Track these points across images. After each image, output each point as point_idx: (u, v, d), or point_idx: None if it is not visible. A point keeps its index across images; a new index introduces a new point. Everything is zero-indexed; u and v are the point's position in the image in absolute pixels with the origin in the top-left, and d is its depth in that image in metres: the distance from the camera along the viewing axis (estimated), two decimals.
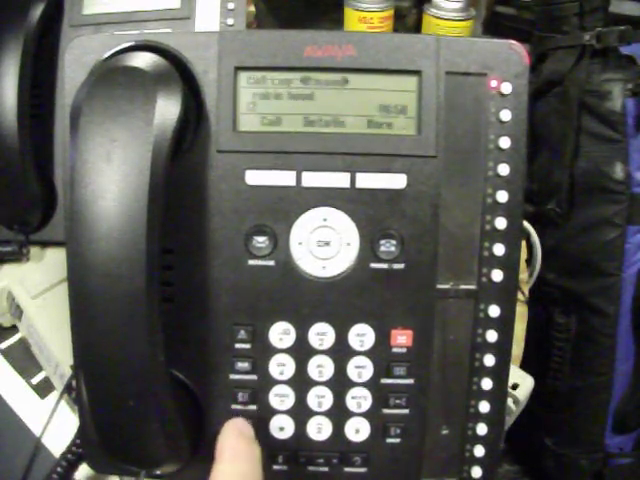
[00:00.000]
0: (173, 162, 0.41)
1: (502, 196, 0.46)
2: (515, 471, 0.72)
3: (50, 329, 0.65)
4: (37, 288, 0.68)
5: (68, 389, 0.61)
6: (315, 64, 0.45)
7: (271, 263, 0.46)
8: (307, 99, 0.46)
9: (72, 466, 0.57)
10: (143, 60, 0.41)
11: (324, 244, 0.46)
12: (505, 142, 0.46)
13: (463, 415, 0.48)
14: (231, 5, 0.68)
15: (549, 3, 0.67)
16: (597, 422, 0.65)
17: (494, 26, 0.90)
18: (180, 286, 0.46)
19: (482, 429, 0.48)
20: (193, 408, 0.46)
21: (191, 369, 0.47)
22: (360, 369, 0.47)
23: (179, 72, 0.42)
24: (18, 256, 0.69)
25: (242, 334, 0.46)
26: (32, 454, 0.60)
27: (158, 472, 0.42)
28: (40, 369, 0.68)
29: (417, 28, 0.91)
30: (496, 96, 0.46)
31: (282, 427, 0.47)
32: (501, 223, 0.46)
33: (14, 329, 0.71)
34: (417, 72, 0.45)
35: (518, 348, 0.64)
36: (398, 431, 0.47)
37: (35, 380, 0.67)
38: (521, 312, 0.66)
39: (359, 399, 0.47)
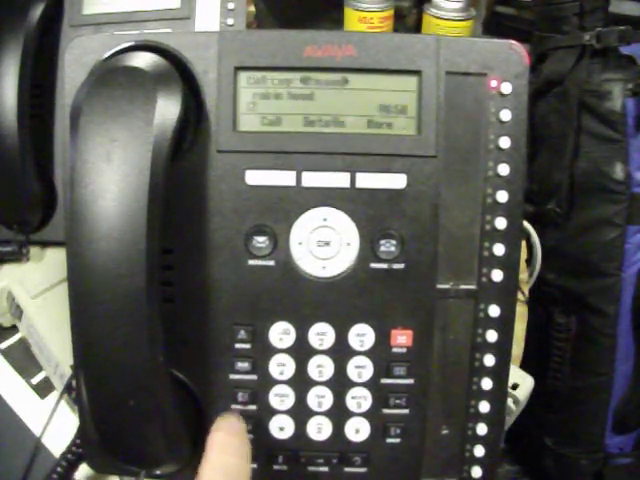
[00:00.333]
0: (173, 162, 0.41)
1: (502, 196, 0.46)
2: (515, 471, 0.72)
3: (50, 329, 0.65)
4: (37, 288, 0.68)
5: (68, 389, 0.61)
6: (315, 64, 0.45)
7: (271, 263, 0.46)
8: (307, 99, 0.46)
9: (72, 466, 0.57)
10: (143, 60, 0.41)
11: (324, 244, 0.46)
12: (505, 142, 0.46)
13: (463, 415, 0.48)
14: (231, 5, 0.68)
15: (549, 3, 0.67)
16: (597, 422, 0.65)
17: (494, 26, 0.90)
18: (180, 286, 0.46)
19: (482, 429, 0.48)
20: (193, 408, 0.46)
21: (191, 369, 0.47)
22: (360, 369, 0.47)
23: (179, 72, 0.42)
24: (18, 256, 0.69)
25: (242, 334, 0.46)
26: (32, 454, 0.60)
27: (158, 472, 0.42)
28: (40, 369, 0.68)
29: (417, 28, 0.91)
30: (496, 96, 0.46)
31: (282, 427, 0.47)
32: (501, 223, 0.46)
33: (14, 329, 0.72)
34: (417, 72, 0.45)
35: (518, 348, 0.64)
36: (398, 431, 0.47)
37: (35, 380, 0.67)
38: (521, 312, 0.66)
39: (359, 399, 0.47)
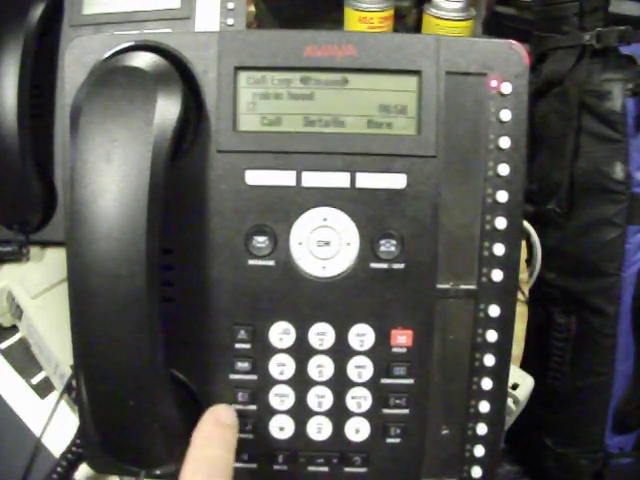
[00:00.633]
0: (173, 162, 0.41)
1: (502, 196, 0.46)
2: (515, 471, 0.72)
3: (50, 329, 0.65)
4: (37, 288, 0.68)
5: (68, 389, 0.61)
6: (315, 64, 0.45)
7: (271, 263, 0.46)
8: (307, 99, 0.46)
9: (72, 466, 0.57)
10: (143, 60, 0.41)
11: (324, 244, 0.46)
12: (505, 142, 0.46)
13: (463, 415, 0.48)
14: (231, 5, 0.68)
15: (549, 3, 0.67)
16: (597, 422, 0.65)
17: (494, 26, 0.90)
18: (180, 286, 0.46)
19: (482, 429, 0.48)
20: (193, 408, 0.46)
21: (191, 369, 0.47)
22: (360, 369, 0.47)
23: (179, 72, 0.42)
24: (18, 256, 0.69)
25: (242, 334, 0.46)
26: (32, 454, 0.60)
27: (158, 472, 0.42)
28: (40, 369, 0.68)
29: (417, 28, 0.91)
30: (496, 96, 0.46)
31: (282, 427, 0.47)
32: (501, 223, 0.46)
33: (14, 329, 0.71)
34: (417, 72, 0.45)
35: (518, 348, 0.64)
36: (398, 431, 0.47)
37: (35, 380, 0.67)
38: (521, 312, 0.66)
39: (359, 399, 0.47)
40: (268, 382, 0.47)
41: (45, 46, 0.67)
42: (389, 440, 0.47)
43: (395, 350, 0.47)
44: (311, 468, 0.48)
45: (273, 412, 0.47)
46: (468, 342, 0.47)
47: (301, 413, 0.47)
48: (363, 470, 0.48)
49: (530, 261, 0.68)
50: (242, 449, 0.46)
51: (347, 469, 0.48)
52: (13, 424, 0.64)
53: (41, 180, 0.66)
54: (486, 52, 0.46)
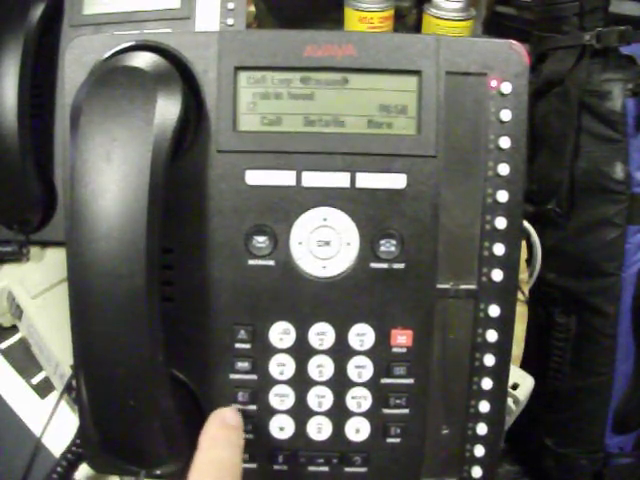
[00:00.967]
0: (173, 162, 0.41)
1: (502, 196, 0.46)
2: (515, 471, 0.72)
3: (50, 329, 0.65)
4: (37, 288, 0.68)
5: (68, 389, 0.61)
6: (315, 64, 0.45)
7: (271, 263, 0.46)
8: (307, 99, 0.46)
9: (72, 466, 0.57)
10: (143, 60, 0.41)
11: (324, 244, 0.46)
12: (505, 142, 0.46)
13: (463, 415, 0.48)
14: (231, 5, 0.68)
15: (549, 3, 0.67)
16: (597, 422, 0.65)
17: (494, 26, 0.90)
18: (180, 286, 0.46)
19: (482, 429, 0.48)
20: (193, 408, 0.46)
21: (191, 369, 0.47)
22: (360, 369, 0.47)
23: (179, 72, 0.42)
24: (18, 256, 0.69)
25: (242, 334, 0.46)
26: (32, 454, 0.60)
27: (158, 472, 0.42)
28: (40, 369, 0.68)
29: (417, 28, 0.91)
30: (496, 96, 0.46)
31: (282, 427, 0.47)
32: (501, 223, 0.46)
33: (14, 329, 0.71)
34: (417, 72, 0.45)
35: (518, 348, 0.64)
36: (398, 431, 0.47)
37: (35, 380, 0.67)
38: (521, 312, 0.66)
39: (359, 399, 0.47)
40: (268, 382, 0.47)
41: (45, 46, 0.67)
42: (389, 440, 0.47)
43: (395, 350, 0.47)
44: (311, 468, 0.48)
45: (273, 412, 0.47)
46: (468, 342, 0.47)
47: (301, 413, 0.47)
48: (363, 470, 0.48)
49: (530, 261, 0.68)
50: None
51: (347, 469, 0.48)
52: (13, 424, 0.64)
53: (41, 180, 0.66)
54: (486, 52, 0.46)
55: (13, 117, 0.62)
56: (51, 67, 0.68)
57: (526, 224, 0.66)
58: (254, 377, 0.47)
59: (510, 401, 0.58)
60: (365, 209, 0.46)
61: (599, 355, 0.64)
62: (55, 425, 0.61)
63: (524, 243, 0.67)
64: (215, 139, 0.45)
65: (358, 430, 0.47)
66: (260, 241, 0.46)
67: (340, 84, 0.46)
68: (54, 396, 0.66)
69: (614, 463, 0.66)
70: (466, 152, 0.46)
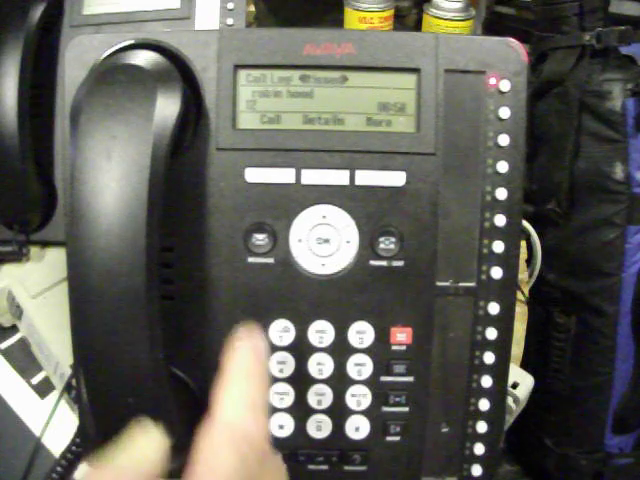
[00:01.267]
0: (173, 160, 0.41)
1: (501, 193, 0.46)
2: (515, 471, 0.71)
3: (50, 329, 0.65)
4: (37, 288, 0.68)
5: (68, 389, 0.61)
6: (314, 62, 0.45)
7: (270, 260, 0.46)
8: (306, 97, 0.46)
9: (72, 466, 0.57)
10: (143, 58, 0.41)
11: (323, 241, 0.46)
12: (504, 140, 0.46)
13: (463, 413, 0.48)
14: (231, 5, 0.69)
15: (549, 3, 0.67)
16: (597, 422, 0.65)
17: (494, 26, 0.90)
18: (180, 284, 0.46)
19: (482, 427, 0.48)
20: (193, 406, 0.46)
21: (191, 366, 0.46)
22: (360, 367, 0.47)
23: (179, 70, 0.42)
24: (18, 256, 0.69)
25: None
26: (32, 454, 0.60)
27: None
28: (40, 369, 0.68)
29: (417, 28, 0.91)
30: (495, 93, 0.46)
31: (282, 425, 0.47)
32: (500, 220, 0.46)
33: (14, 329, 0.71)
34: (416, 70, 0.45)
35: (518, 348, 0.64)
36: (398, 429, 0.47)
37: (35, 380, 0.67)
38: (521, 312, 0.66)
39: (359, 397, 0.47)
40: (268, 380, 0.47)
41: (45, 46, 0.67)
42: (389, 438, 0.47)
43: (395, 348, 0.47)
44: (311, 466, 0.47)
45: (273, 410, 0.47)
46: (468, 340, 0.47)
47: (301, 411, 0.47)
48: (363, 468, 0.48)
49: (530, 261, 0.68)
50: None
51: (347, 467, 0.48)
52: (13, 424, 0.64)
53: (41, 180, 0.66)
54: (485, 50, 0.46)
55: (13, 117, 0.62)
56: (51, 67, 0.68)
57: (526, 224, 0.66)
58: None
59: (510, 400, 0.58)
60: (364, 207, 0.46)
61: (599, 355, 0.64)
62: (55, 425, 0.61)
63: (524, 243, 0.67)
64: (215, 137, 0.45)
65: (358, 428, 0.47)
66: (260, 239, 0.46)
67: (339, 82, 0.46)
68: (54, 396, 0.65)
69: (614, 463, 0.66)
70: (465, 150, 0.46)
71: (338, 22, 0.87)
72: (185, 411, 0.43)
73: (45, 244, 0.70)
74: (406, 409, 0.47)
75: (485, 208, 0.46)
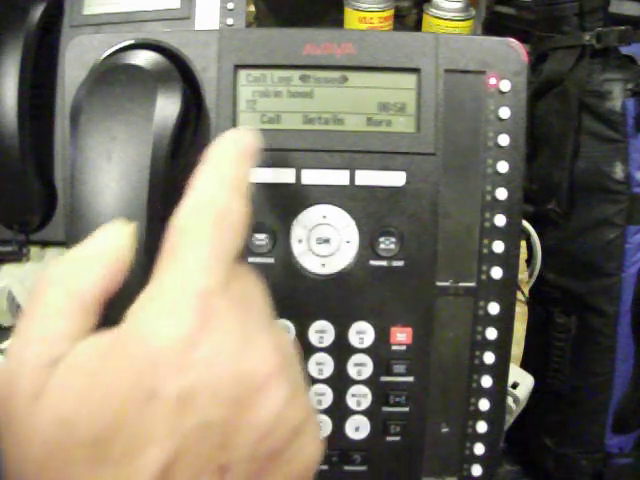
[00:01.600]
0: (173, 160, 0.41)
1: (501, 193, 0.46)
2: (515, 471, 0.71)
3: None
4: None
5: None
6: (314, 62, 0.45)
7: (271, 260, 0.46)
8: (306, 97, 0.46)
9: None
10: (143, 58, 0.41)
11: (324, 241, 0.46)
12: (504, 139, 0.46)
13: (463, 413, 0.48)
14: (231, 5, 0.68)
15: (549, 3, 0.67)
16: (597, 422, 0.65)
17: (494, 26, 0.90)
18: None
19: (482, 427, 0.48)
20: None
21: None
22: (360, 367, 0.47)
23: (179, 70, 0.42)
24: (18, 256, 0.69)
25: None
26: None
27: None
28: None
29: (417, 28, 0.91)
30: (495, 93, 0.46)
31: None
32: (500, 220, 0.46)
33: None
34: (416, 70, 0.45)
35: (518, 348, 0.64)
36: (398, 429, 0.47)
37: None
38: (521, 312, 0.66)
39: (359, 397, 0.47)
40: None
41: (45, 46, 0.67)
42: (389, 438, 0.47)
43: (395, 348, 0.47)
44: None
45: None
46: (468, 340, 0.47)
47: None
48: (363, 468, 0.48)
49: (530, 261, 0.68)
50: None
51: (347, 467, 0.48)
52: None
53: (41, 180, 0.66)
54: (484, 50, 0.46)
55: (13, 117, 0.61)
56: (51, 67, 0.68)
57: (526, 224, 0.66)
58: None
59: (510, 400, 0.58)
60: (364, 207, 0.46)
61: (599, 355, 0.64)
62: None
63: (524, 243, 0.67)
64: (215, 137, 0.45)
65: (358, 428, 0.47)
66: (260, 239, 0.46)
67: (339, 82, 0.46)
68: None
69: (614, 463, 0.66)
70: (465, 150, 0.46)
71: (338, 22, 0.87)
72: None
73: (45, 244, 0.70)
74: (406, 409, 0.47)
75: (485, 208, 0.46)
